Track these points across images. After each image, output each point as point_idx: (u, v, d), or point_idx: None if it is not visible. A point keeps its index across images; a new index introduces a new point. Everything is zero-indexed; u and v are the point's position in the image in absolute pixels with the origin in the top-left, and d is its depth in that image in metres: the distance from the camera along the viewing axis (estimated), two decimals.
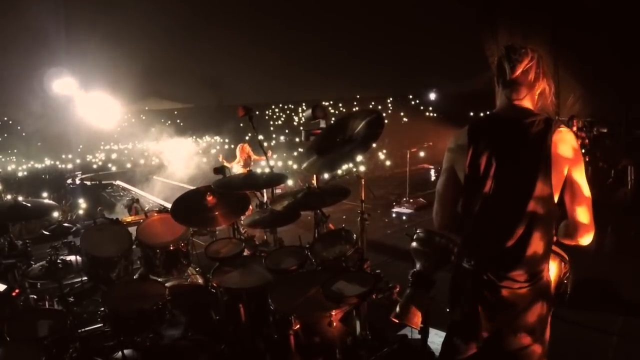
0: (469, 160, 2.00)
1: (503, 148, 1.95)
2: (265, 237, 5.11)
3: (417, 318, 2.48)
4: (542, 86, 2.01)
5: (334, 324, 2.58)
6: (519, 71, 1.95)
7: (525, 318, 1.95)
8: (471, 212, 2.03)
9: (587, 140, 8.58)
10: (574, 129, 8.63)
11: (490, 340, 2.02)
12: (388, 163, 15.06)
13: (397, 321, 2.50)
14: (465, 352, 2.10)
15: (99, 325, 3.51)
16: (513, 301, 1.93)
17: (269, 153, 8.29)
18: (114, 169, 20.27)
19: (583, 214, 1.91)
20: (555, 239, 2.05)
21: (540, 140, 1.87)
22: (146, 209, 5.84)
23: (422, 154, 13.46)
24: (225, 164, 8.45)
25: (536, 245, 1.90)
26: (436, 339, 3.32)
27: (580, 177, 1.90)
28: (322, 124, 4.17)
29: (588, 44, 9.85)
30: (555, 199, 1.91)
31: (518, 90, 1.98)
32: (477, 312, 2.00)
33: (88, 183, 16.17)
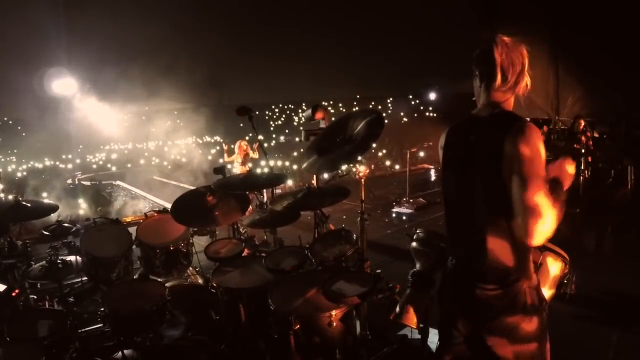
0: (441, 162, 2.08)
1: (465, 149, 1.96)
2: (265, 237, 5.11)
3: (417, 318, 2.48)
4: (519, 88, 1.95)
5: (334, 324, 2.58)
6: (510, 82, 1.91)
7: (504, 321, 1.90)
8: (446, 212, 2.10)
9: (590, 142, 8.58)
10: (580, 129, 8.65)
11: (471, 340, 2.03)
12: (388, 163, 15.06)
13: (397, 321, 2.50)
14: (451, 350, 2.11)
15: (99, 325, 3.51)
16: (487, 302, 1.91)
17: (257, 155, 8.30)
18: (114, 169, 20.27)
19: (528, 201, 1.73)
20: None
21: (496, 138, 1.82)
22: (145, 209, 5.84)
23: (422, 154, 13.47)
24: (227, 158, 8.51)
25: (498, 246, 1.86)
26: (436, 339, 3.30)
27: (533, 170, 1.75)
28: (322, 124, 4.17)
29: (588, 45, 9.85)
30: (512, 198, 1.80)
31: (503, 94, 1.94)
32: (456, 311, 2.03)
33: (88, 183, 16.17)
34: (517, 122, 1.83)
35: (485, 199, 1.88)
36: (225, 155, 8.65)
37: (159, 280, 3.64)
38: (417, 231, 2.76)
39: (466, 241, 1.99)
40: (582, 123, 8.72)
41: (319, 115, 4.16)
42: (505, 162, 1.79)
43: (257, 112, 4.35)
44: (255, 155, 8.36)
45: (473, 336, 2.00)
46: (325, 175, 4.10)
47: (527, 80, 1.95)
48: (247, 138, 8.82)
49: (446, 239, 2.54)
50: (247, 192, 4.29)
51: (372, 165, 14.31)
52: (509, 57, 1.89)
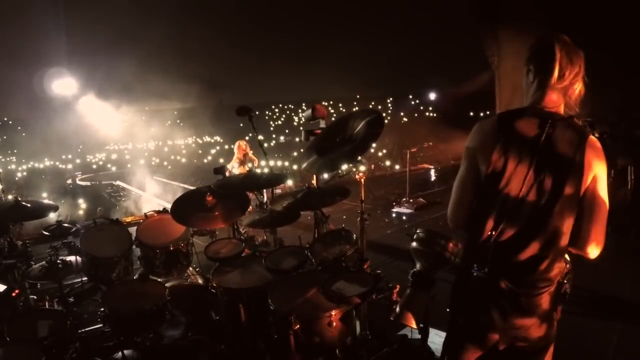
0: (493, 160, 1.87)
1: (530, 150, 1.83)
2: (265, 237, 5.11)
3: (417, 318, 2.47)
4: (573, 95, 1.91)
5: (334, 324, 2.58)
6: (564, 83, 1.85)
7: (543, 324, 1.91)
8: (487, 215, 1.90)
9: None
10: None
11: (502, 345, 1.98)
12: (388, 163, 15.07)
13: (397, 321, 2.50)
14: (472, 356, 2.08)
15: (99, 325, 3.51)
16: (531, 307, 1.88)
17: (256, 163, 8.25)
18: (113, 169, 20.28)
19: (598, 229, 1.82)
20: None
21: (572, 147, 1.78)
22: (145, 209, 5.84)
23: (422, 154, 13.48)
24: (228, 166, 8.43)
25: (557, 251, 1.84)
26: (436, 339, 3.32)
27: (603, 189, 1.82)
28: (322, 124, 4.17)
29: (588, 45, 9.84)
30: (579, 207, 1.83)
31: (550, 97, 1.87)
32: (492, 321, 1.93)
33: (89, 183, 16.17)
34: (589, 132, 1.83)
35: (556, 207, 1.79)
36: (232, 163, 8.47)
37: (159, 280, 3.63)
38: (417, 231, 2.74)
39: (518, 247, 1.85)
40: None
41: (318, 114, 4.15)
42: (586, 172, 1.78)
43: (257, 112, 4.34)
44: (255, 160, 8.33)
45: (506, 343, 1.96)
46: (325, 175, 4.10)
47: (580, 86, 1.90)
48: (246, 138, 8.79)
49: (447, 238, 2.53)
50: (247, 192, 4.28)
51: (372, 165, 14.32)
52: (568, 55, 1.84)
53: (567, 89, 1.88)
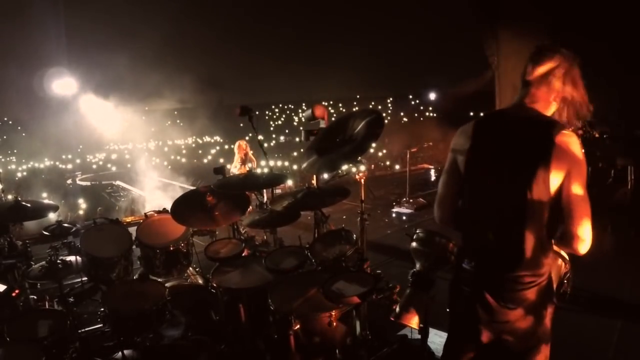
0: (469, 158, 1.98)
1: (503, 147, 1.92)
2: (265, 237, 5.11)
3: (417, 318, 2.48)
4: (565, 94, 1.95)
5: (334, 324, 2.59)
6: (536, 74, 1.92)
7: (529, 320, 1.92)
8: (469, 211, 2.01)
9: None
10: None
11: (492, 342, 2.00)
12: (388, 163, 15.06)
13: (397, 321, 2.50)
14: (466, 354, 2.09)
15: (99, 325, 3.52)
16: (516, 303, 1.90)
17: (255, 164, 8.24)
18: (113, 169, 20.27)
19: (580, 225, 1.85)
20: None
21: (542, 141, 1.82)
22: (145, 209, 5.84)
23: (422, 154, 13.47)
24: (229, 166, 8.43)
25: (537, 246, 1.86)
26: (436, 339, 3.32)
27: (579, 185, 1.84)
28: (322, 124, 4.17)
29: (588, 45, 9.83)
30: (553, 201, 1.86)
31: (531, 92, 1.94)
32: (477, 315, 1.98)
33: (89, 183, 16.17)
34: (562, 127, 1.86)
35: (529, 200, 1.83)
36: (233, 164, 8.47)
37: (159, 280, 3.64)
38: (417, 231, 2.75)
39: (499, 241, 1.92)
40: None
41: (318, 114, 4.15)
42: (554, 167, 1.80)
43: (257, 112, 4.35)
44: (254, 160, 8.32)
45: (496, 339, 1.99)
46: (325, 176, 4.10)
47: (575, 95, 1.97)
48: (246, 138, 8.78)
49: (447, 238, 2.54)
50: (247, 192, 4.28)
51: (372, 165, 14.30)
52: (557, 58, 1.92)
53: (549, 89, 1.93)
